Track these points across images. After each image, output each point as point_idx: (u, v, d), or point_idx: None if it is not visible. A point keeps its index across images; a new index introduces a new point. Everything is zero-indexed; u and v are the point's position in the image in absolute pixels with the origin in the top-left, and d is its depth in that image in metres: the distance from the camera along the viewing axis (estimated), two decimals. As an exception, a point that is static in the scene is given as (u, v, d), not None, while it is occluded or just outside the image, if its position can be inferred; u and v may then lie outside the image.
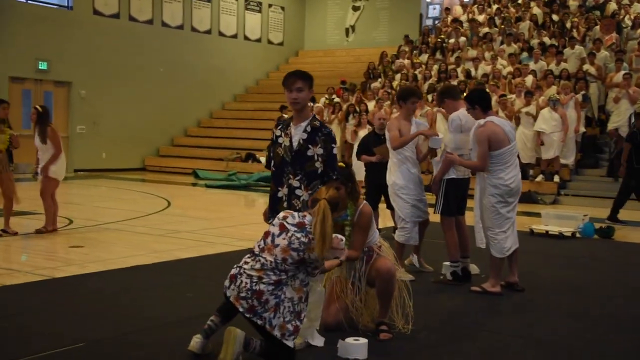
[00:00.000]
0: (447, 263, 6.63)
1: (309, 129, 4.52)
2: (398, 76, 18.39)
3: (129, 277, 6.39)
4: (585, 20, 18.38)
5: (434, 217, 6.76)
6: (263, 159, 18.71)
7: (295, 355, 4.08)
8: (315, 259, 4.04)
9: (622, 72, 15.21)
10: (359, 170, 7.77)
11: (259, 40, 24.56)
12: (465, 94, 6.95)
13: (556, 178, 14.42)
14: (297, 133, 4.53)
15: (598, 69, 15.88)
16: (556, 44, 17.19)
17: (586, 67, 15.96)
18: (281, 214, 4.21)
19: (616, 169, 14.37)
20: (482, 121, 5.87)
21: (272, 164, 4.65)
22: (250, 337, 4.01)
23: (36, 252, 7.66)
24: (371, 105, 16.61)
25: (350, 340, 4.32)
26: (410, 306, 4.84)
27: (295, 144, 4.51)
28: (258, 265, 4.03)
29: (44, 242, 8.20)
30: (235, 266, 4.13)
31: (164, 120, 21.13)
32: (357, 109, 16.55)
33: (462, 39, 19.15)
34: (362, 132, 13.41)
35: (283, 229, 4.09)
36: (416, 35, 22.18)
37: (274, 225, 4.15)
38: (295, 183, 4.49)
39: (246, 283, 3.99)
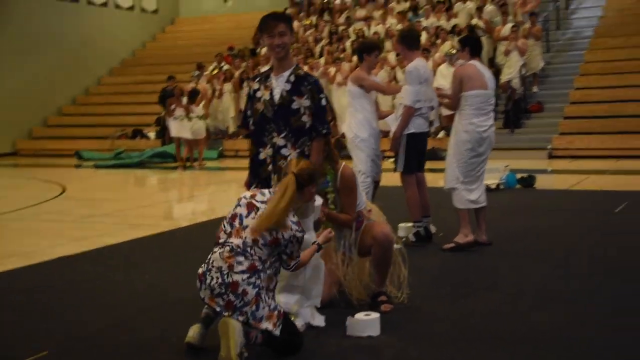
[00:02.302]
0: (405, 225, 6.33)
1: (292, 78, 4.01)
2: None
3: (65, 270, 5.61)
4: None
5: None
6: (152, 134, 17.72)
7: (302, 342, 3.61)
8: (289, 239, 3.53)
9: (509, 24, 15.54)
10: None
11: (131, 8, 23.06)
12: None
13: (457, 133, 14.55)
14: (279, 84, 4.02)
15: (486, 23, 16.14)
16: (443, 0, 17.32)
17: (475, 21, 16.18)
18: (248, 193, 3.68)
19: (512, 121, 14.77)
20: (461, 62, 5.73)
21: (251, 122, 4.10)
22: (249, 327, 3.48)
23: None
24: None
25: (360, 315, 3.90)
26: (405, 273, 4.47)
27: (277, 96, 3.99)
28: (227, 251, 3.49)
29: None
30: (202, 264, 3.57)
31: (35, 99, 19.38)
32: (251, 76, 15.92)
33: (348, -2, 18.93)
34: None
35: (251, 208, 3.58)
36: (298, -3, 21.70)
37: (240, 206, 3.61)
38: (281, 141, 3.98)
39: (217, 278, 3.45)
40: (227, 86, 16.51)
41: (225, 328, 3.36)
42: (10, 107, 18.67)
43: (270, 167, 4.00)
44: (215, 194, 10.77)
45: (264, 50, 17.82)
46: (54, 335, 3.97)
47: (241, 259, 3.45)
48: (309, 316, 4.01)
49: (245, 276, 3.43)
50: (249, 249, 3.48)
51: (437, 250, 5.81)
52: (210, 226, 7.39)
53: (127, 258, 5.96)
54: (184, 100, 13.99)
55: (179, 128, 13.77)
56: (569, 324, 3.97)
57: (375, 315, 3.91)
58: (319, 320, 4.04)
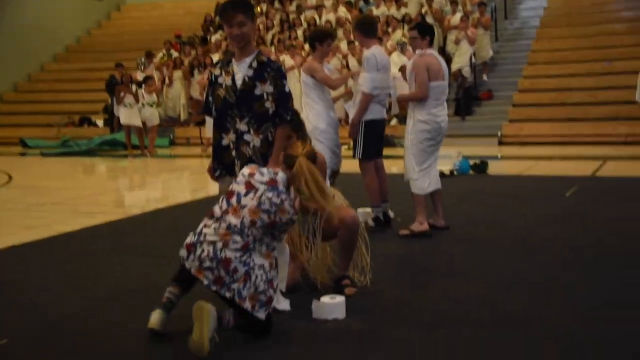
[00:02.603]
0: (364, 210, 6.35)
1: (255, 64, 3.96)
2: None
3: (18, 259, 5.43)
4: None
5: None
6: (100, 122, 17.36)
7: (272, 324, 3.59)
8: (286, 222, 3.55)
9: (459, 14, 15.73)
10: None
11: (75, -7, 22.49)
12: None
13: (409, 120, 14.66)
14: (241, 70, 3.96)
15: (436, 12, 16.29)
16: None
17: (425, 9, 16.31)
18: (246, 170, 3.63)
19: (463, 108, 14.98)
20: (420, 51, 5.71)
21: (213, 108, 4.04)
22: (222, 311, 3.46)
23: None
24: (216, 58, 15.84)
25: (326, 299, 3.89)
26: (367, 258, 4.49)
27: (239, 82, 3.94)
28: (223, 228, 3.46)
29: None
30: (191, 233, 3.54)
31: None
32: (203, 63, 15.71)
33: (299, -14, 18.81)
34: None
35: (250, 187, 3.54)
36: (247, -15, 21.48)
37: (237, 183, 3.59)
38: (243, 127, 3.93)
39: (209, 251, 3.43)
40: (177, 73, 16.29)
41: (200, 313, 3.32)
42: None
43: (233, 152, 3.96)
44: (168, 182, 10.62)
45: (214, 38, 17.62)
46: (12, 323, 3.85)
47: (237, 238, 3.44)
48: (275, 300, 3.97)
49: (238, 254, 3.42)
50: (246, 230, 3.46)
51: (395, 236, 5.84)
52: (163, 214, 7.30)
53: (81, 246, 5.82)
54: (134, 87, 13.72)
55: (129, 115, 13.52)
56: (529, 305, 4.04)
57: (340, 298, 3.92)
58: (285, 305, 4.02)
